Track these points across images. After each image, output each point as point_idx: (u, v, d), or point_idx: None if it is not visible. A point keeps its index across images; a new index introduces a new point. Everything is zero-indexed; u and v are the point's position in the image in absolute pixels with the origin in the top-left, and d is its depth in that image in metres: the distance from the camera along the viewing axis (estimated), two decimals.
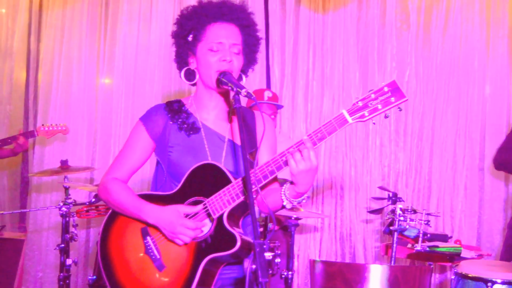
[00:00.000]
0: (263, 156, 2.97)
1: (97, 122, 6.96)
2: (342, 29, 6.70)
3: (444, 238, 5.37)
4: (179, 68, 3.01)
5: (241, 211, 2.75)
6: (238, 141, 2.93)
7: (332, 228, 6.65)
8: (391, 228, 4.99)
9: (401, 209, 4.97)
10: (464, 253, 5.10)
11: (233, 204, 2.66)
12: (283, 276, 4.96)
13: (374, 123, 2.57)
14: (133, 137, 3.00)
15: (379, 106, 2.50)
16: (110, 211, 3.01)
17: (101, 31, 7.01)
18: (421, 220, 4.96)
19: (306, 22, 6.79)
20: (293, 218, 4.95)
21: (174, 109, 2.97)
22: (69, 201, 5.16)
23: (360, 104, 2.52)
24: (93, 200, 5.23)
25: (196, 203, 2.76)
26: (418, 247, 4.95)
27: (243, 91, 2.53)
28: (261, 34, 3.06)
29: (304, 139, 2.51)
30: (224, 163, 2.85)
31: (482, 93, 6.36)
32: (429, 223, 5.03)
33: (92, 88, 6.98)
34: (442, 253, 5.08)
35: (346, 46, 6.69)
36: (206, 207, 2.71)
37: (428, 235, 5.17)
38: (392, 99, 2.49)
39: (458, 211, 6.33)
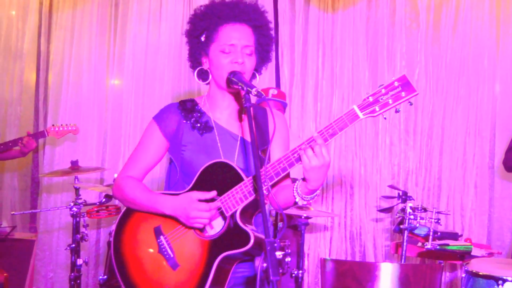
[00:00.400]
0: (275, 152, 2.97)
1: (107, 123, 6.99)
2: (352, 28, 6.70)
3: (455, 236, 5.36)
4: (192, 67, 3.01)
5: (254, 208, 2.75)
6: (249, 140, 2.92)
7: (342, 227, 6.65)
8: (401, 226, 5.00)
9: (411, 207, 4.97)
10: (475, 251, 5.09)
11: (246, 202, 2.66)
12: (293, 275, 4.97)
13: (385, 118, 2.57)
14: (146, 136, 3.01)
15: (390, 101, 2.49)
16: (123, 211, 3.02)
17: (111, 32, 7.04)
18: (431, 218, 4.96)
19: (315, 22, 6.80)
20: (303, 217, 4.95)
21: (187, 108, 2.98)
22: (80, 201, 5.19)
23: (371, 99, 2.52)
24: (104, 200, 5.26)
25: (208, 201, 2.76)
26: (429, 245, 4.95)
27: (253, 90, 2.52)
28: (273, 33, 3.05)
29: (314, 135, 2.52)
30: (237, 162, 2.86)
31: (492, 91, 6.35)
32: (439, 221, 5.03)
33: (102, 88, 7.01)
34: (453, 251, 5.08)
35: (355, 45, 6.69)
36: (219, 205, 2.71)
37: (438, 234, 5.17)
38: (403, 93, 2.48)
39: (468, 210, 6.32)
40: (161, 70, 6.90)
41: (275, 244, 2.06)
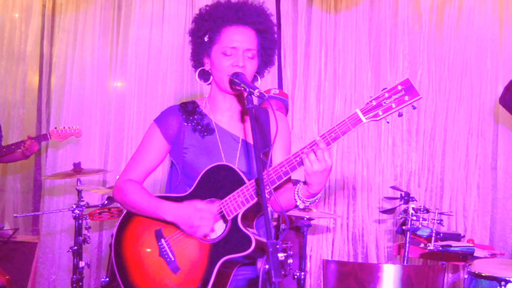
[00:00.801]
0: (277, 154, 2.98)
1: (110, 125, 6.99)
2: (354, 29, 6.69)
3: (457, 237, 5.36)
4: (195, 67, 3.00)
5: (255, 212, 2.74)
6: (251, 142, 2.92)
7: (345, 228, 6.64)
8: (403, 227, 4.99)
9: (413, 208, 4.97)
10: (477, 252, 5.09)
11: (247, 206, 2.65)
12: (295, 276, 4.97)
13: (388, 122, 2.55)
14: (147, 138, 3.00)
15: (393, 105, 2.48)
16: (124, 213, 3.01)
17: (114, 34, 7.05)
18: (434, 219, 4.95)
19: (318, 23, 6.79)
20: (305, 218, 4.95)
21: (189, 110, 2.97)
22: (82, 203, 5.19)
23: (374, 103, 2.51)
24: (106, 202, 5.26)
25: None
26: (431, 246, 4.94)
27: (256, 92, 2.51)
28: (277, 36, 3.04)
29: (317, 139, 2.51)
30: (238, 164, 2.85)
31: (494, 92, 6.33)
32: (441, 222, 5.02)
33: (105, 91, 7.01)
34: (455, 252, 5.07)
35: (358, 46, 6.68)
36: (220, 208, 2.71)
37: (441, 235, 5.16)
38: (406, 97, 2.47)
39: (471, 210, 6.31)
40: (164, 73, 6.90)
41: (277, 246, 2.06)
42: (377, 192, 6.53)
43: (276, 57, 3.05)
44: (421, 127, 6.49)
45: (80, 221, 5.19)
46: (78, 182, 5.35)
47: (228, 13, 2.84)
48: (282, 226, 5.02)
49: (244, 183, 2.68)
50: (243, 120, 2.98)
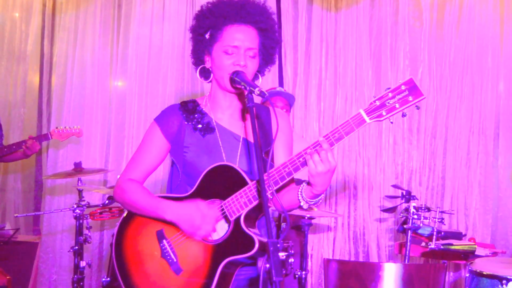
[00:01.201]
0: (279, 152, 2.96)
1: (111, 124, 6.99)
2: (355, 27, 6.69)
3: (458, 236, 5.36)
4: (195, 64, 2.99)
5: (258, 212, 2.73)
6: (252, 140, 2.91)
7: (346, 227, 6.64)
8: (404, 226, 4.98)
9: (414, 207, 4.95)
10: (479, 251, 5.08)
11: (250, 206, 2.64)
12: (297, 276, 4.96)
13: (391, 122, 2.54)
14: (148, 138, 2.99)
15: (397, 105, 2.47)
16: (124, 214, 3.00)
17: (114, 33, 7.04)
18: (435, 218, 4.95)
19: (318, 21, 6.78)
20: (306, 217, 4.94)
21: (189, 109, 2.96)
22: (83, 203, 5.19)
23: (378, 103, 2.49)
24: (107, 202, 5.25)
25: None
26: (432, 245, 4.94)
27: (256, 90, 2.50)
28: (279, 35, 3.03)
29: (320, 140, 2.49)
30: (239, 163, 2.84)
31: (495, 89, 6.32)
32: (443, 221, 5.01)
33: (106, 90, 7.01)
34: (456, 251, 5.07)
35: (358, 44, 6.67)
36: (222, 209, 2.70)
37: (442, 233, 5.16)
38: (410, 97, 2.46)
39: (472, 209, 6.30)
40: (165, 71, 6.90)
41: (278, 245, 2.05)
42: (378, 190, 6.52)
43: (277, 56, 3.03)
44: (422, 125, 6.48)
45: (81, 221, 5.19)
46: (79, 181, 5.34)
47: (230, 11, 2.83)
48: (283, 225, 5.01)
49: (247, 183, 2.66)
50: (243, 119, 2.97)
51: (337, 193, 6.66)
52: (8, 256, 5.89)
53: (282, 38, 6.75)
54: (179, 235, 2.79)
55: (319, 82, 6.76)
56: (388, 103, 2.48)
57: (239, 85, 2.66)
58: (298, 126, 6.67)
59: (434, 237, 4.96)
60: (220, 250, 2.68)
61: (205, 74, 2.99)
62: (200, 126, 2.91)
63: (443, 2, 6.50)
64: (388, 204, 5.98)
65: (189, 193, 2.80)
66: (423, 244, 5.25)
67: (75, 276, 5.14)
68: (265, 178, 2.39)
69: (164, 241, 2.81)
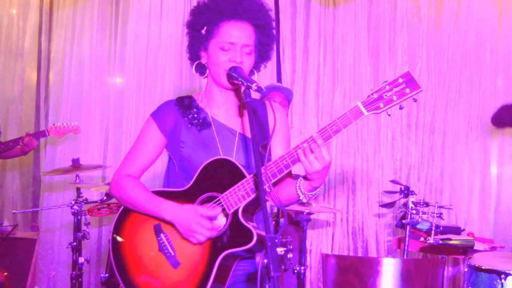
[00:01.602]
0: (276, 146, 2.97)
1: (109, 121, 6.99)
2: (353, 23, 6.68)
3: (457, 230, 5.35)
4: (191, 59, 2.98)
5: (256, 205, 2.73)
6: (249, 135, 2.91)
7: (344, 222, 6.64)
8: (403, 221, 4.99)
9: (413, 202, 4.96)
10: (477, 246, 5.08)
11: (248, 199, 2.64)
12: (295, 271, 4.96)
13: (389, 115, 2.56)
14: (144, 133, 2.99)
15: (394, 98, 2.49)
16: (121, 208, 2.99)
17: (112, 29, 7.04)
18: (434, 213, 4.95)
19: (316, 17, 6.78)
20: (305, 213, 4.94)
21: (185, 104, 2.96)
22: (81, 199, 5.17)
23: (375, 96, 2.51)
24: (105, 198, 5.24)
25: (210, 199, 2.75)
26: (431, 240, 4.94)
27: (254, 85, 2.50)
28: (275, 31, 3.03)
29: (314, 136, 2.50)
30: (236, 158, 2.83)
31: (494, 85, 6.32)
32: (441, 216, 5.01)
33: (104, 86, 7.01)
34: (455, 245, 5.07)
35: (357, 41, 6.67)
36: (220, 202, 2.70)
37: (441, 228, 5.15)
38: (407, 90, 2.48)
39: (470, 204, 6.30)
40: (162, 68, 6.89)
41: (276, 240, 2.05)
42: (377, 186, 6.53)
43: (273, 52, 3.03)
44: (420, 120, 6.48)
45: (79, 217, 5.17)
46: (77, 178, 5.33)
47: (227, 7, 2.82)
48: (281, 220, 5.01)
49: (244, 176, 2.66)
50: (240, 114, 2.97)
51: (336, 189, 6.66)
52: (6, 253, 5.89)
53: (280, 35, 6.76)
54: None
55: (317, 78, 6.76)
56: (386, 95, 2.50)
57: (237, 81, 2.66)
58: (297, 122, 6.67)
59: (433, 232, 4.96)
60: (218, 243, 2.68)
61: (201, 69, 2.98)
62: (196, 121, 2.91)
63: None
64: (387, 199, 5.98)
65: (186, 187, 2.80)
66: (422, 239, 5.25)
67: (74, 272, 5.12)
68: (262, 171, 2.39)
69: (162, 235, 2.81)
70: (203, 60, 2.92)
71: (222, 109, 2.96)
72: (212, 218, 2.70)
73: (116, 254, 2.93)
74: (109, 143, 6.98)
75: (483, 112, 6.30)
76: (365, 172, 6.56)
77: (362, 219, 6.57)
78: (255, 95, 2.60)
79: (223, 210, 2.71)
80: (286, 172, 2.59)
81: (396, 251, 6.25)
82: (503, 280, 3.69)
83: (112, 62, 7.03)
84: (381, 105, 2.50)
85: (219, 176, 2.72)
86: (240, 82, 2.63)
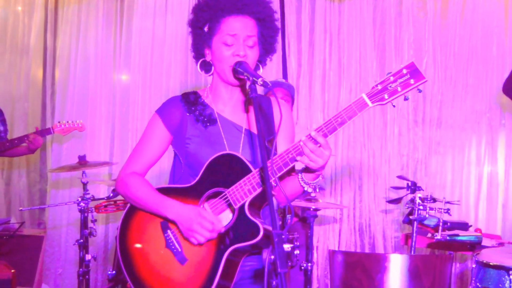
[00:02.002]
0: (281, 142, 2.96)
1: (115, 117, 7.00)
2: (359, 17, 6.66)
3: (465, 226, 5.33)
4: (196, 58, 2.98)
5: (262, 200, 2.71)
6: (255, 131, 2.90)
7: (351, 218, 6.63)
8: (410, 217, 4.96)
9: (420, 198, 4.93)
10: (485, 242, 5.07)
11: (254, 194, 2.63)
12: (302, 267, 4.95)
13: (394, 106, 2.55)
14: (149, 129, 2.99)
15: (399, 88, 2.48)
16: (128, 205, 2.98)
17: (117, 26, 7.05)
18: (441, 209, 4.93)
19: (322, 11, 6.76)
20: (311, 209, 4.93)
21: (191, 100, 2.94)
22: (88, 196, 5.18)
23: (380, 87, 2.50)
24: (111, 195, 5.24)
25: (216, 194, 2.73)
26: (438, 236, 4.92)
27: (259, 80, 2.50)
28: (278, 23, 3.01)
29: (313, 134, 2.51)
30: (242, 153, 2.81)
31: (501, 79, 6.25)
32: (449, 211, 4.99)
33: (109, 83, 7.01)
34: (463, 241, 5.05)
35: (362, 35, 6.65)
36: (226, 197, 2.69)
37: (448, 224, 5.13)
38: (412, 80, 2.47)
39: (478, 200, 6.28)
40: (168, 64, 6.89)
41: (283, 236, 2.04)
42: (384, 181, 6.51)
43: (277, 44, 3.02)
44: (427, 115, 6.46)
45: (86, 214, 5.18)
46: (84, 174, 5.34)
47: (227, 3, 2.81)
48: (288, 216, 5.00)
49: (250, 171, 2.65)
50: (246, 110, 2.96)
51: (342, 185, 6.64)
52: (13, 250, 5.91)
53: (286, 29, 6.74)
54: None
55: (323, 73, 6.74)
56: (390, 86, 2.49)
57: (242, 76, 2.65)
58: (303, 117, 6.66)
59: (440, 228, 4.94)
60: (225, 238, 2.67)
61: (206, 67, 2.97)
62: (202, 117, 2.89)
63: None
64: (394, 195, 5.97)
65: (192, 183, 2.79)
66: (429, 235, 5.23)
67: (81, 269, 5.13)
68: (268, 165, 2.38)
69: (169, 231, 2.80)
70: (208, 58, 2.91)
71: (228, 105, 2.95)
72: (215, 221, 2.68)
73: (123, 251, 2.93)
74: (115, 139, 6.98)
75: (490, 107, 6.28)
76: (371, 167, 6.55)
77: (369, 215, 6.56)
78: (259, 90, 2.59)
79: (229, 205, 2.70)
80: (292, 165, 2.59)
81: (403, 247, 6.23)
82: (511, 276, 3.67)
83: (117, 58, 7.05)
84: (386, 96, 2.49)
85: (225, 172, 2.71)
86: (245, 77, 2.62)
